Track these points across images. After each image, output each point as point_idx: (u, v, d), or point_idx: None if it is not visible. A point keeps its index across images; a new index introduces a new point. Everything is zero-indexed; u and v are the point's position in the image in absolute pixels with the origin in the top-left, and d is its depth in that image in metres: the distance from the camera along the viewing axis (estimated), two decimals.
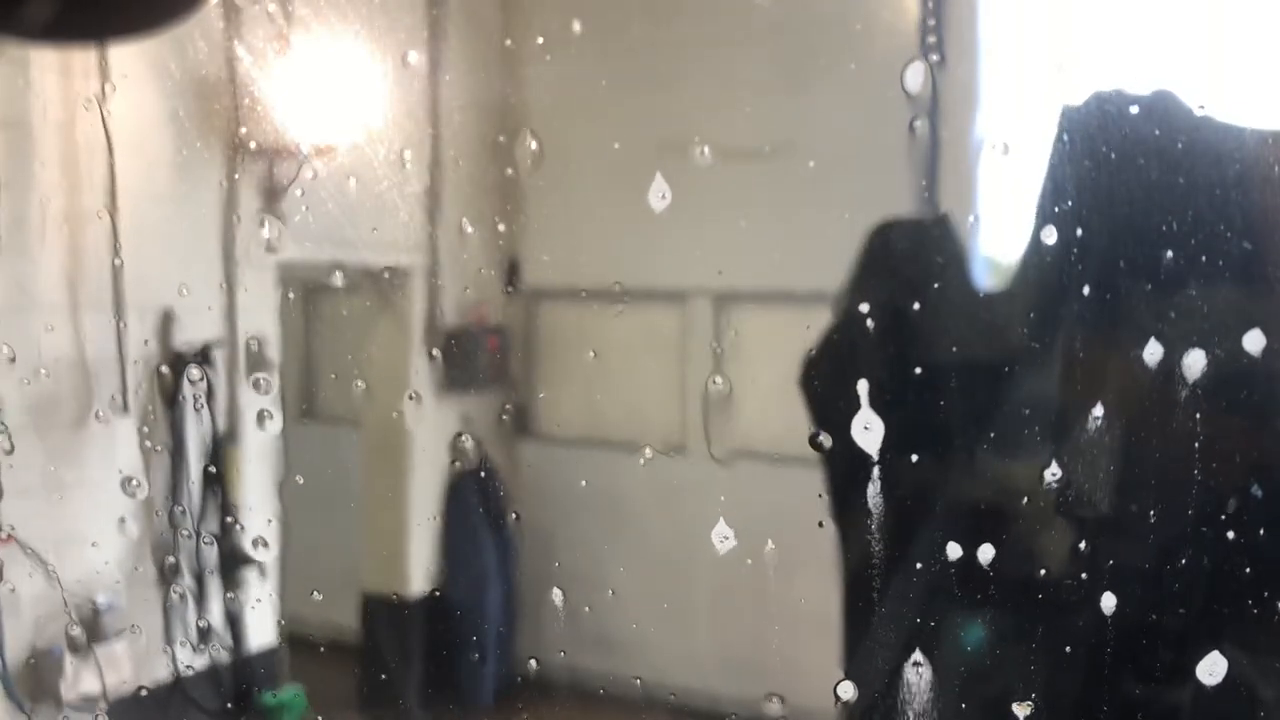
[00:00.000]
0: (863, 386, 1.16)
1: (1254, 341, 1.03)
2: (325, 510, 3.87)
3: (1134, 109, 1.10)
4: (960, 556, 1.19)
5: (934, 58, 2.04)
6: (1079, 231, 1.10)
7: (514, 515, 4.13)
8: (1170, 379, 1.07)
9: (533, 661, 4.16)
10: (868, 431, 1.17)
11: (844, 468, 1.25)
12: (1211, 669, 1.05)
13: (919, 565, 1.21)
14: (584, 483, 4.00)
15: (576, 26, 3.94)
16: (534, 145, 2.20)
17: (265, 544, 3.34)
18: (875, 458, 1.17)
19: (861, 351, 1.21)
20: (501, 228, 4.31)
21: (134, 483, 3.06)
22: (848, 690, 1.25)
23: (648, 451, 3.10)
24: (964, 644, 1.19)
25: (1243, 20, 1.32)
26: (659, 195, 1.65)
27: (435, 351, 3.91)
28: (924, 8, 2.76)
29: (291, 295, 4.07)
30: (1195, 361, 1.03)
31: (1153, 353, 1.06)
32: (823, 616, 1.30)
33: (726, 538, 1.66)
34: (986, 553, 1.13)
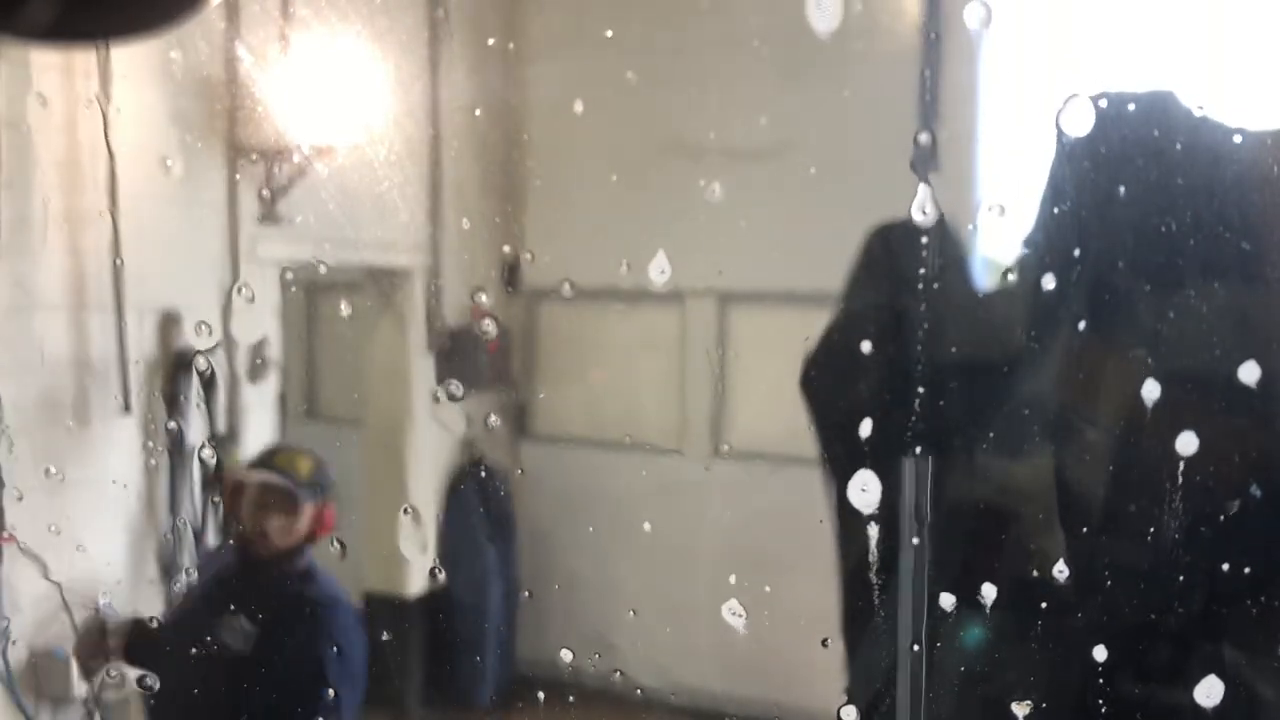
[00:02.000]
0: (864, 428, 1.16)
1: (1249, 373, 1.03)
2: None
3: (1134, 110, 1.11)
4: (961, 566, 1.19)
5: (933, 59, 2.04)
6: (1078, 232, 1.10)
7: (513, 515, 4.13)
8: (1170, 383, 1.07)
9: (533, 662, 4.16)
10: (864, 493, 1.17)
11: (844, 470, 1.25)
12: (1209, 691, 1.05)
13: (919, 566, 1.21)
14: (584, 483, 4.01)
15: (577, 28, 3.94)
16: (580, 107, 2.18)
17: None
18: (871, 515, 1.18)
19: (861, 352, 1.21)
20: (502, 228, 4.32)
21: (134, 483, 3.06)
22: (851, 714, 1.25)
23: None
24: (963, 644, 1.19)
25: (1243, 20, 1.32)
26: (659, 270, 1.66)
27: (441, 393, 3.91)
28: (924, 9, 2.76)
29: (293, 295, 4.07)
30: (1188, 442, 1.04)
31: (1149, 407, 1.06)
32: (822, 616, 1.30)
33: (738, 614, 1.67)
34: (989, 592, 1.14)
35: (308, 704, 2.06)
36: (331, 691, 2.06)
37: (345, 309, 4.54)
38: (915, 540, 1.21)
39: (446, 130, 3.95)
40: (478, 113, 3.87)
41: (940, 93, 2.70)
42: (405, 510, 3.96)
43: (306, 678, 2.07)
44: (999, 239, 1.24)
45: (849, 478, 1.23)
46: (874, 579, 1.20)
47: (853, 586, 1.25)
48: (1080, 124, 1.08)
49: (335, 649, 2.13)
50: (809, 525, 1.33)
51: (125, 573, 3.04)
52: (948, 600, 1.17)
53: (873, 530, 1.18)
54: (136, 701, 3.00)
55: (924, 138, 1.41)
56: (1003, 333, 1.19)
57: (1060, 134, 1.09)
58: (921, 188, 1.14)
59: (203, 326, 3.18)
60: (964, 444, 1.19)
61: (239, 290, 3.30)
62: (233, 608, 2.08)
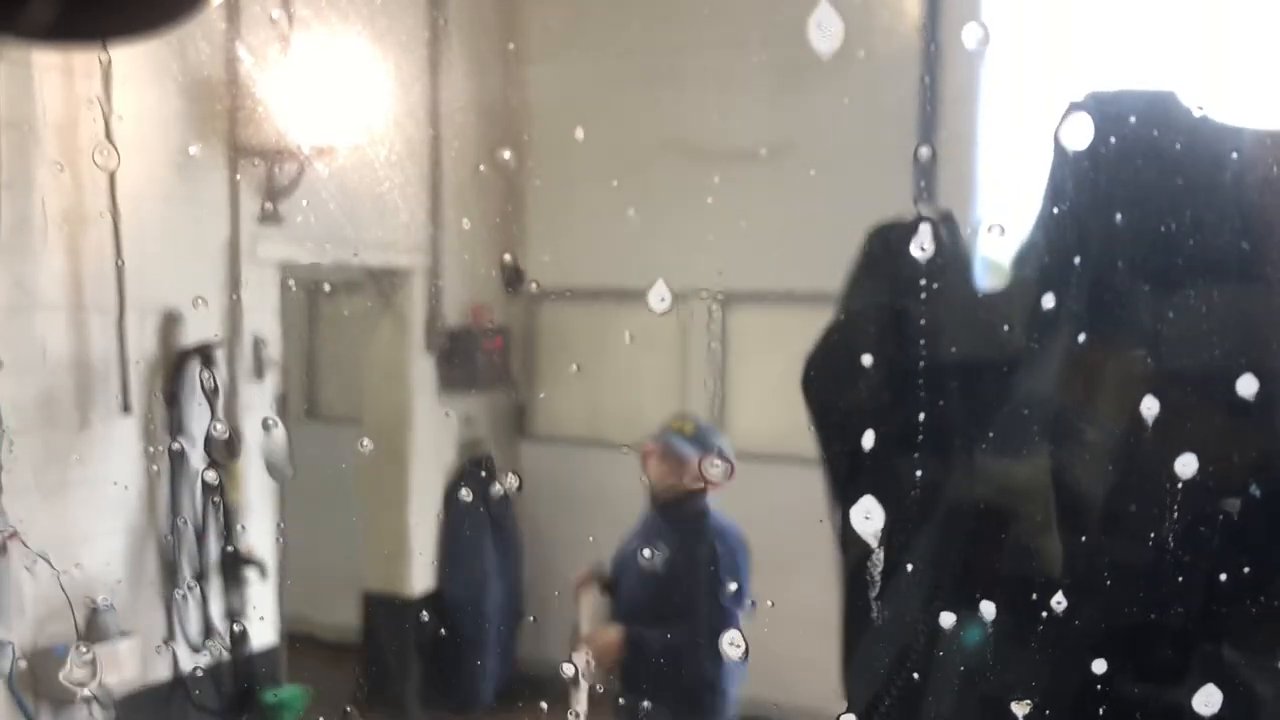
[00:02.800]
0: (867, 439, 1.16)
1: (1247, 386, 1.03)
2: (326, 510, 3.88)
3: (1133, 110, 1.11)
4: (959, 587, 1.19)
5: (932, 59, 2.04)
6: (1078, 232, 1.10)
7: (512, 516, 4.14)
8: (1169, 382, 1.07)
9: (533, 662, 4.16)
10: (868, 521, 1.18)
11: (844, 469, 1.25)
12: (1207, 700, 1.05)
13: (918, 567, 1.21)
14: (584, 483, 4.01)
15: (577, 28, 3.94)
16: (581, 134, 2.24)
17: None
18: (874, 545, 1.18)
19: (861, 352, 1.21)
20: (501, 229, 4.32)
21: (134, 483, 3.06)
22: None
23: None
24: (963, 644, 1.19)
25: (1243, 21, 1.32)
26: (659, 298, 1.67)
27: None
28: (924, 9, 2.76)
29: (293, 295, 4.07)
30: (1188, 464, 1.04)
31: (1149, 408, 1.06)
32: (822, 616, 1.31)
33: (736, 644, 1.68)
34: (989, 608, 1.14)
35: (704, 611, 2.78)
36: (722, 601, 2.75)
37: (345, 309, 4.55)
38: (910, 566, 1.21)
39: (447, 131, 3.95)
40: (477, 113, 3.87)
41: (940, 95, 2.70)
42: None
43: (705, 592, 2.79)
44: (997, 237, 1.24)
45: (848, 477, 1.23)
46: (873, 600, 1.20)
47: (852, 594, 1.25)
48: (1080, 135, 1.08)
49: (727, 570, 2.80)
50: (809, 525, 1.33)
51: (125, 572, 3.04)
52: (948, 619, 1.17)
53: (874, 546, 1.18)
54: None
55: (924, 151, 1.40)
56: (1003, 333, 1.19)
57: (1059, 139, 1.09)
58: (923, 226, 1.14)
59: (203, 327, 3.18)
60: (964, 444, 1.19)
61: (239, 290, 3.31)
62: (651, 542, 2.84)
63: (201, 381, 3.14)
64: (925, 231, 1.14)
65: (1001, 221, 1.21)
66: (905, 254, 1.18)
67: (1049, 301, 1.10)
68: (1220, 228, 1.07)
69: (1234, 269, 1.08)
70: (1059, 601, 1.10)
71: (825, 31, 1.23)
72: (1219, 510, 1.05)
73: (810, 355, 1.24)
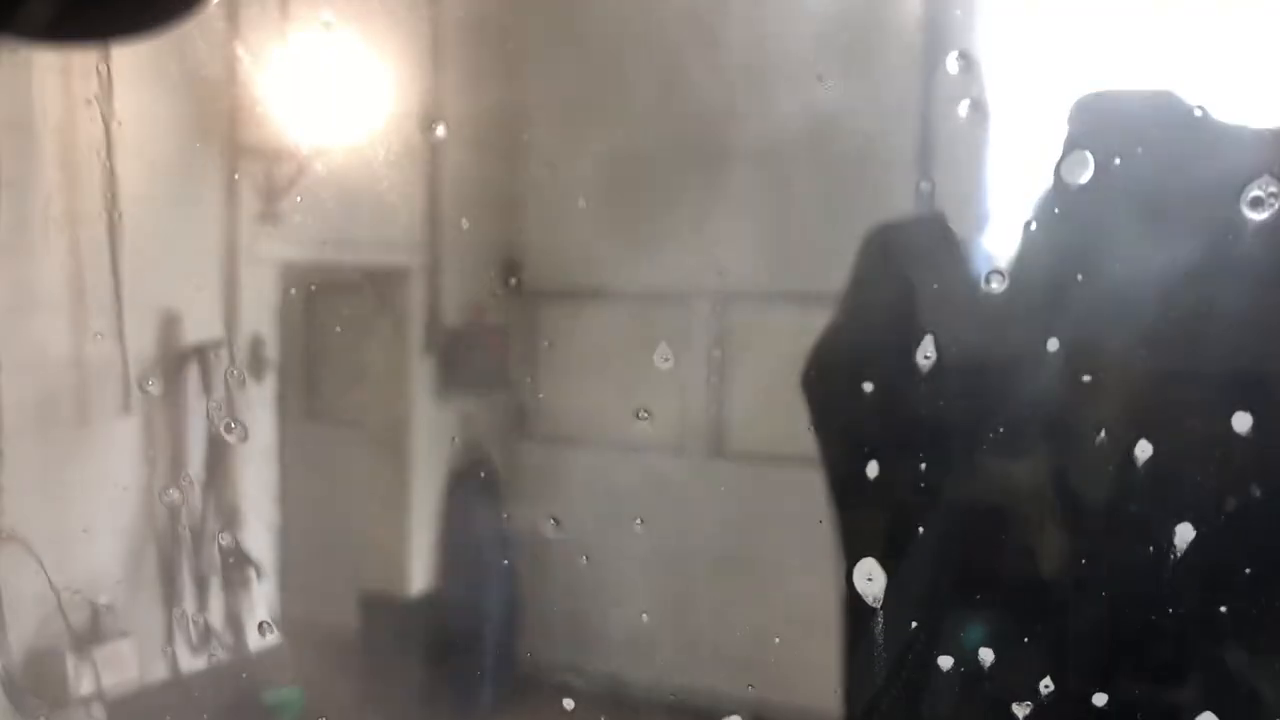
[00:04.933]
0: (867, 458, 1.17)
1: (1242, 422, 1.03)
2: (325, 511, 3.87)
3: (1133, 109, 1.11)
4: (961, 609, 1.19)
5: (933, 64, 2.04)
6: (1077, 233, 1.11)
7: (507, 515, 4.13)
8: (1167, 382, 1.07)
9: (532, 660, 4.16)
10: (870, 582, 1.18)
11: (844, 470, 1.25)
12: None
13: (918, 567, 1.21)
14: (583, 483, 4.00)
15: (577, 29, 3.94)
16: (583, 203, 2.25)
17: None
18: (877, 607, 1.19)
19: (862, 352, 1.21)
20: (502, 228, 4.31)
21: (134, 484, 3.06)
22: None
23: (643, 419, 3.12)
24: (964, 644, 1.19)
25: (1244, 20, 1.32)
26: (662, 358, 1.70)
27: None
28: (924, 8, 2.76)
29: (292, 296, 4.06)
30: (1185, 534, 1.04)
31: (1148, 406, 1.06)
32: (822, 616, 1.31)
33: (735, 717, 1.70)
34: (986, 656, 1.14)
35: None
36: None
37: (344, 309, 4.54)
38: (910, 567, 1.21)
39: (446, 130, 3.94)
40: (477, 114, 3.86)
41: (939, 89, 2.70)
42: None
43: None
44: (997, 237, 1.24)
45: (848, 478, 1.23)
46: (873, 602, 1.20)
47: (851, 595, 1.25)
48: (1080, 168, 1.08)
49: None
50: (808, 525, 1.34)
51: (125, 572, 3.04)
52: (946, 661, 1.18)
53: (876, 608, 1.18)
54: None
55: (924, 186, 1.41)
56: (1003, 333, 1.19)
57: (1060, 172, 1.09)
58: (927, 338, 1.15)
59: (202, 327, 3.18)
60: (965, 445, 1.19)
61: (238, 290, 3.31)
62: None
63: (199, 381, 3.14)
64: (929, 341, 1.15)
65: (1001, 268, 1.21)
66: (904, 254, 1.18)
67: (1048, 301, 1.10)
68: (1220, 228, 1.07)
69: (1234, 269, 1.08)
70: (1060, 571, 1.10)
71: (826, 84, 1.23)
72: (1220, 509, 1.05)
73: (811, 354, 1.25)
